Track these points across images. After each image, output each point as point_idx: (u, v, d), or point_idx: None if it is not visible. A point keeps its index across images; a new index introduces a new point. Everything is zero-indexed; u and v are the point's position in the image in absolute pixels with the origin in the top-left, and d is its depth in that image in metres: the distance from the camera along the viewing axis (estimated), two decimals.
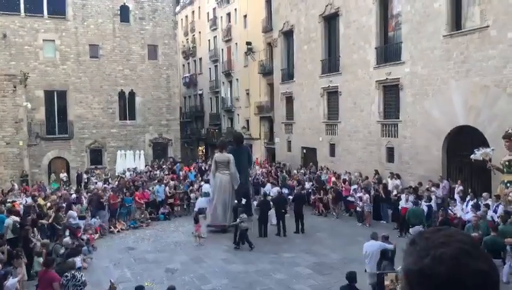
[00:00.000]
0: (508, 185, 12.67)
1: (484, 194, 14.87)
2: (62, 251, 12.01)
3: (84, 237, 15.94)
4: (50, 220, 15.79)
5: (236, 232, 16.32)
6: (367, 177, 20.94)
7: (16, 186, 23.55)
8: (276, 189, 20.01)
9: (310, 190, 22.02)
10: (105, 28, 34.31)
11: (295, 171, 25.60)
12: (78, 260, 11.01)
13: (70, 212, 16.86)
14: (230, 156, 18.79)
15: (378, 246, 10.63)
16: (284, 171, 26.47)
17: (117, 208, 19.84)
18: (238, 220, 15.83)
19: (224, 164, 18.71)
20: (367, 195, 18.79)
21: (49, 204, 17.89)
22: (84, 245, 14.89)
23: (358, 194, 19.16)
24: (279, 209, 17.47)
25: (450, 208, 15.54)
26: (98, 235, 17.65)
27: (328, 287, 11.89)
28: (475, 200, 14.84)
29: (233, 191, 18.51)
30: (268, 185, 21.87)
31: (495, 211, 13.17)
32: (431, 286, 1.03)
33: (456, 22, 18.11)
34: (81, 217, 16.96)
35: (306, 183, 22.70)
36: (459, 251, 1.05)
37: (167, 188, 22.09)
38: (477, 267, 1.03)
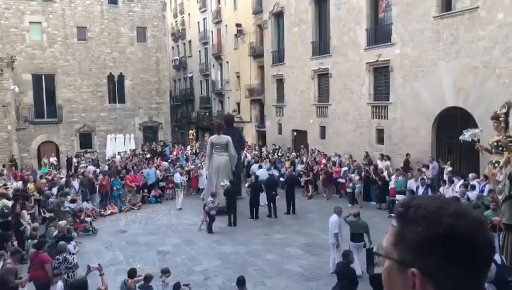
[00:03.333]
0: (496, 165, 12.83)
1: (471, 174, 15.09)
2: (55, 233, 12.02)
3: (88, 219, 16.42)
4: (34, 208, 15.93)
5: (230, 215, 16.43)
6: (351, 158, 21.16)
7: (5, 171, 23.36)
8: (264, 170, 20.15)
9: (301, 172, 22.10)
10: (93, 9, 33.75)
11: (287, 154, 25.66)
12: (71, 246, 11.00)
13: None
14: (228, 138, 18.72)
15: (335, 220, 11.42)
16: (276, 154, 26.53)
17: (108, 191, 19.83)
18: (206, 207, 15.89)
19: (222, 145, 18.65)
20: (359, 176, 18.88)
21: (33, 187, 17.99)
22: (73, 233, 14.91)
23: (351, 175, 19.18)
24: (270, 192, 17.57)
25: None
26: (90, 218, 17.67)
27: (319, 267, 12.06)
28: (462, 180, 15.05)
29: (231, 173, 18.52)
30: (255, 165, 22.00)
31: (482, 191, 13.41)
32: (459, 243, 1.07)
33: (446, 3, 18.10)
34: (72, 201, 16.96)
35: (298, 165, 22.79)
36: (463, 206, 1.13)
37: (158, 171, 22.07)
38: (480, 218, 1.13)
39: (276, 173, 20.96)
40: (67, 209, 16.09)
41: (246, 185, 18.60)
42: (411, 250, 1.11)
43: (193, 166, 23.07)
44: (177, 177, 20.30)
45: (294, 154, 25.34)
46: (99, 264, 8.65)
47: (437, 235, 1.07)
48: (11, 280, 8.74)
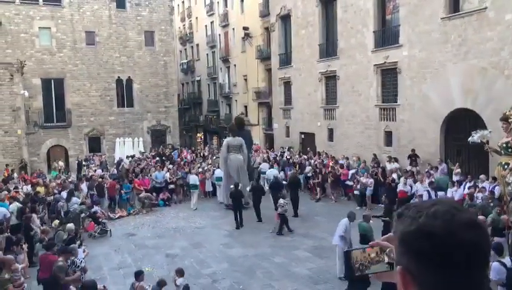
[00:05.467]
0: (505, 166, 12.74)
1: (481, 176, 14.97)
2: (65, 237, 12.17)
3: (105, 221, 16.91)
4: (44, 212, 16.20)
5: (237, 217, 16.51)
6: (364, 162, 21.02)
7: (16, 175, 23.60)
8: (273, 172, 20.22)
9: (309, 174, 22.01)
10: (101, 14, 34.06)
11: (297, 156, 25.56)
12: (80, 251, 11.11)
13: (73, 199, 17.05)
14: (242, 139, 19.63)
15: (342, 223, 11.36)
16: (285, 156, 26.46)
17: (116, 194, 19.93)
18: (279, 208, 15.69)
19: (237, 146, 19.45)
20: (371, 180, 18.73)
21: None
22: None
23: (363, 179, 18.99)
24: (276, 194, 17.52)
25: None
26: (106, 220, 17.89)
27: (326, 270, 12.02)
28: (472, 182, 14.95)
29: (246, 171, 19.24)
30: (264, 164, 22.21)
31: (492, 192, 13.30)
32: (428, 241, 1.06)
33: (454, 4, 18.01)
34: (80, 204, 17.08)
35: (306, 167, 22.70)
36: (450, 207, 1.11)
37: (167, 174, 22.12)
38: (468, 218, 1.09)
39: (282, 175, 21.02)
40: (87, 214, 16.48)
41: (248, 188, 18.59)
42: (397, 247, 1.15)
43: (200, 169, 23.12)
44: (193, 179, 20.61)
45: (305, 156, 25.18)
46: (104, 286, 8.82)
47: (408, 233, 1.10)
48: (62, 277, 8.93)
